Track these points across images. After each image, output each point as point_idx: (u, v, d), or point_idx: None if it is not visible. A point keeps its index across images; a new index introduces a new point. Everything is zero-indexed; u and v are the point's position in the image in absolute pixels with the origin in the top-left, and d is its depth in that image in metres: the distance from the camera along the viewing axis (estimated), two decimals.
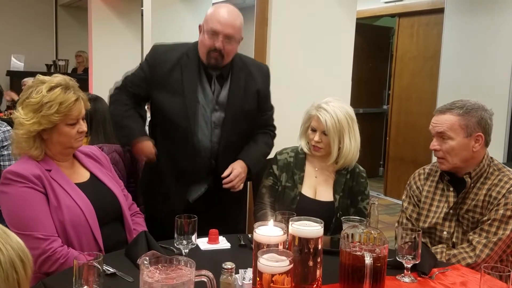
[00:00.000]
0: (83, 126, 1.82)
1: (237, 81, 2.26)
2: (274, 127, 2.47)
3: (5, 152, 2.86)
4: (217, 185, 2.22)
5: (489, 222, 1.90)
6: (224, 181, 2.17)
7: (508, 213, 1.88)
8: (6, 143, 2.85)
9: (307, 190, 2.21)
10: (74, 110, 1.76)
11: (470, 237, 1.92)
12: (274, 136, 2.47)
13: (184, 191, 2.26)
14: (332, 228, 2.13)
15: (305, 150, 2.25)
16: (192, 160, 2.21)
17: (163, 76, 2.21)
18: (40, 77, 1.80)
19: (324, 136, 2.15)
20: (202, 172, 2.25)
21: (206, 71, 2.23)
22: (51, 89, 1.73)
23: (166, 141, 2.26)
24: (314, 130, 2.18)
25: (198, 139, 2.20)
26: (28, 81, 5.42)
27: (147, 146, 2.19)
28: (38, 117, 1.71)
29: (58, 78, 1.78)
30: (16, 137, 1.75)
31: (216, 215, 2.17)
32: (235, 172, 2.18)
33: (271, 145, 2.43)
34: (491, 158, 2.02)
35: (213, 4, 5.54)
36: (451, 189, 2.02)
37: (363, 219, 1.82)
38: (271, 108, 2.45)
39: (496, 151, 4.05)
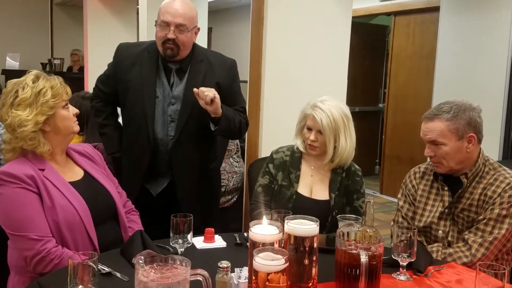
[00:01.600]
0: (73, 107, 1.85)
1: (195, 74, 2.28)
2: (244, 114, 2.40)
3: (2, 156, 2.81)
4: (177, 179, 2.29)
5: (484, 221, 1.90)
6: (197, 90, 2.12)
7: (504, 212, 1.88)
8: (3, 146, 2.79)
9: (303, 189, 2.21)
10: (63, 92, 1.79)
11: (466, 237, 1.92)
12: (243, 119, 2.37)
13: (147, 185, 2.33)
14: (328, 226, 2.13)
15: (301, 149, 2.25)
16: (151, 154, 2.27)
17: (124, 72, 2.30)
18: (12, 80, 1.79)
19: (319, 135, 2.15)
20: (161, 166, 2.30)
21: (166, 65, 2.27)
22: (34, 81, 1.74)
23: (129, 136, 2.36)
24: (309, 129, 2.17)
25: (155, 133, 2.26)
26: None
27: None
28: (37, 107, 1.71)
29: (32, 72, 1.80)
30: (20, 139, 1.71)
31: (181, 208, 2.19)
32: (211, 91, 2.10)
33: (240, 120, 2.34)
34: (487, 157, 2.02)
35: (208, 2, 5.53)
36: (446, 188, 2.02)
37: (358, 217, 1.82)
38: (240, 102, 2.40)
39: (491, 150, 4.06)
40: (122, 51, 2.37)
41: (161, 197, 2.33)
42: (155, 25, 2.25)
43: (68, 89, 1.83)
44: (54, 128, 1.77)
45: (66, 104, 1.81)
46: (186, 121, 2.25)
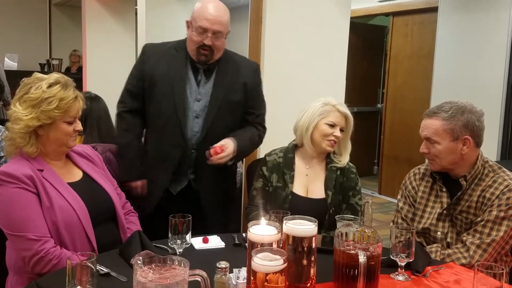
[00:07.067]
0: (79, 125, 1.83)
1: (223, 73, 2.29)
2: (264, 127, 2.45)
3: (2, 155, 2.79)
4: (198, 177, 2.30)
5: (482, 223, 1.89)
6: (212, 158, 2.16)
7: (502, 214, 1.87)
8: (3, 153, 2.78)
9: (298, 188, 2.21)
10: (73, 108, 1.77)
11: (464, 238, 1.92)
12: (262, 134, 2.43)
13: (167, 183, 2.31)
14: (326, 225, 2.14)
15: (309, 147, 2.22)
16: (175, 150, 2.26)
17: (151, 68, 2.29)
18: (37, 74, 1.80)
19: (341, 132, 2.21)
20: (183, 163, 2.29)
21: (193, 64, 2.27)
22: (50, 85, 1.74)
23: (154, 132, 2.35)
24: (332, 126, 2.20)
25: (181, 128, 2.25)
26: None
27: (140, 187, 2.35)
28: (37, 112, 1.71)
29: (56, 75, 1.79)
30: (12, 133, 1.73)
31: (200, 210, 2.23)
32: (228, 151, 2.18)
33: (257, 141, 2.41)
34: (486, 158, 2.01)
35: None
36: (444, 190, 2.02)
37: (357, 217, 1.82)
38: (262, 108, 2.44)
39: (489, 150, 4.06)
40: (149, 50, 2.37)
41: (181, 199, 2.31)
42: (187, 27, 2.25)
43: (81, 106, 1.81)
44: (47, 135, 1.77)
45: (73, 120, 1.79)
46: (214, 118, 2.25)
